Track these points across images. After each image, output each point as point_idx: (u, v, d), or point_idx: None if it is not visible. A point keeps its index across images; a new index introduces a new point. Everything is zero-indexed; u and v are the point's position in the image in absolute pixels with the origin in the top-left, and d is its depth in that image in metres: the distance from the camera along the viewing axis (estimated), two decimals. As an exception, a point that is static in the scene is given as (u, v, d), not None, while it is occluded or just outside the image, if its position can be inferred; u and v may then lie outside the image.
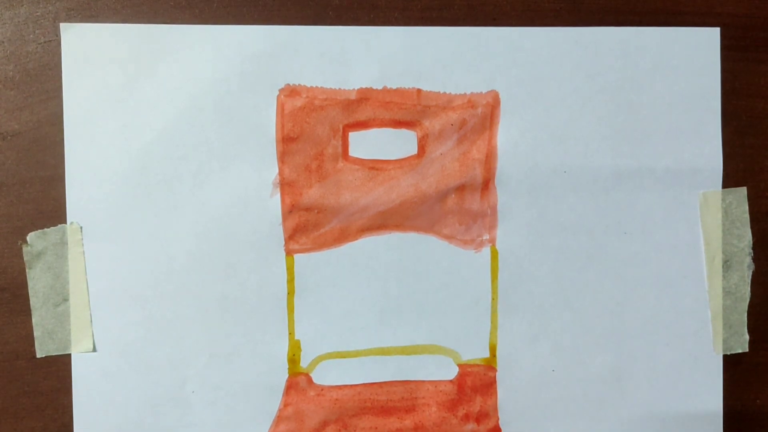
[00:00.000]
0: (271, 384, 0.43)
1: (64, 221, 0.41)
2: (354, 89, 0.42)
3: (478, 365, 0.43)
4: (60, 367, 0.42)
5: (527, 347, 0.44)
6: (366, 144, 0.43)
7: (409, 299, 0.43)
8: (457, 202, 0.43)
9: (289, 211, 0.42)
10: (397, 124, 0.43)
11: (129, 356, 0.42)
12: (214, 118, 0.42)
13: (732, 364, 0.44)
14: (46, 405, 0.42)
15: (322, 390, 0.43)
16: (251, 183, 0.42)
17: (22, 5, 0.41)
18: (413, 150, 0.43)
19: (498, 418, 0.44)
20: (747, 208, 0.44)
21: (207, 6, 0.42)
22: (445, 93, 0.43)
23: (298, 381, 0.43)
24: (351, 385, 0.43)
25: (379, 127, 0.43)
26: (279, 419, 0.43)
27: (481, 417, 0.44)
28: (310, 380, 0.43)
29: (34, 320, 0.41)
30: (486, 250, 0.43)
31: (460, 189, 0.43)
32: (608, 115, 0.43)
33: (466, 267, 0.43)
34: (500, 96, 0.43)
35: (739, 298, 0.44)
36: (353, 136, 0.42)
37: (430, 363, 0.43)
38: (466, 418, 0.44)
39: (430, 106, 0.43)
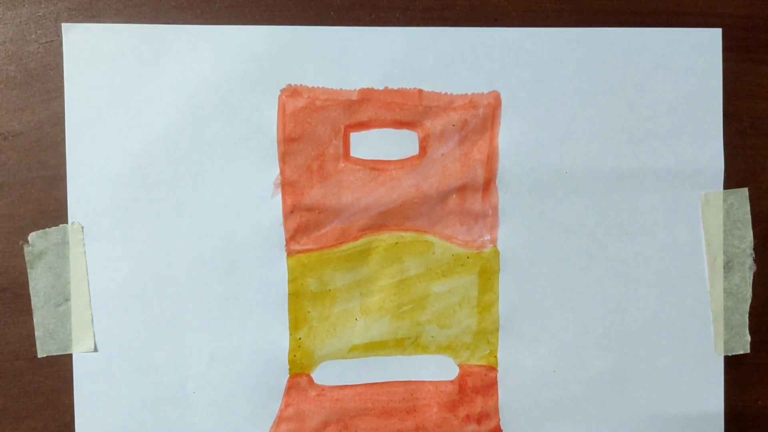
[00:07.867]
0: (271, 384, 0.43)
1: (66, 221, 0.41)
2: (355, 90, 0.42)
3: (479, 366, 0.43)
4: (61, 367, 0.42)
5: (528, 348, 0.43)
6: (367, 144, 0.43)
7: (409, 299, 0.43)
8: (458, 202, 0.43)
9: (290, 211, 0.42)
10: (399, 124, 0.43)
11: (130, 356, 0.42)
12: (216, 118, 0.42)
13: (733, 365, 0.44)
14: (47, 405, 0.42)
15: (323, 390, 0.43)
16: (252, 183, 0.42)
17: (24, 5, 0.41)
18: (414, 150, 0.43)
19: (499, 419, 0.44)
20: (748, 208, 0.44)
21: (208, 6, 0.42)
22: (446, 93, 0.43)
23: (299, 381, 0.43)
24: (352, 386, 0.43)
25: (380, 128, 0.43)
26: (280, 419, 0.43)
27: (482, 418, 0.44)
28: (311, 380, 0.43)
29: (35, 320, 0.41)
30: (487, 251, 0.43)
31: (462, 189, 0.43)
32: (610, 115, 0.43)
33: (466, 267, 0.43)
34: (501, 96, 0.43)
35: (741, 299, 0.44)
36: (354, 136, 0.42)
37: (431, 363, 0.43)
38: (467, 418, 0.43)
39: (431, 106, 0.42)
